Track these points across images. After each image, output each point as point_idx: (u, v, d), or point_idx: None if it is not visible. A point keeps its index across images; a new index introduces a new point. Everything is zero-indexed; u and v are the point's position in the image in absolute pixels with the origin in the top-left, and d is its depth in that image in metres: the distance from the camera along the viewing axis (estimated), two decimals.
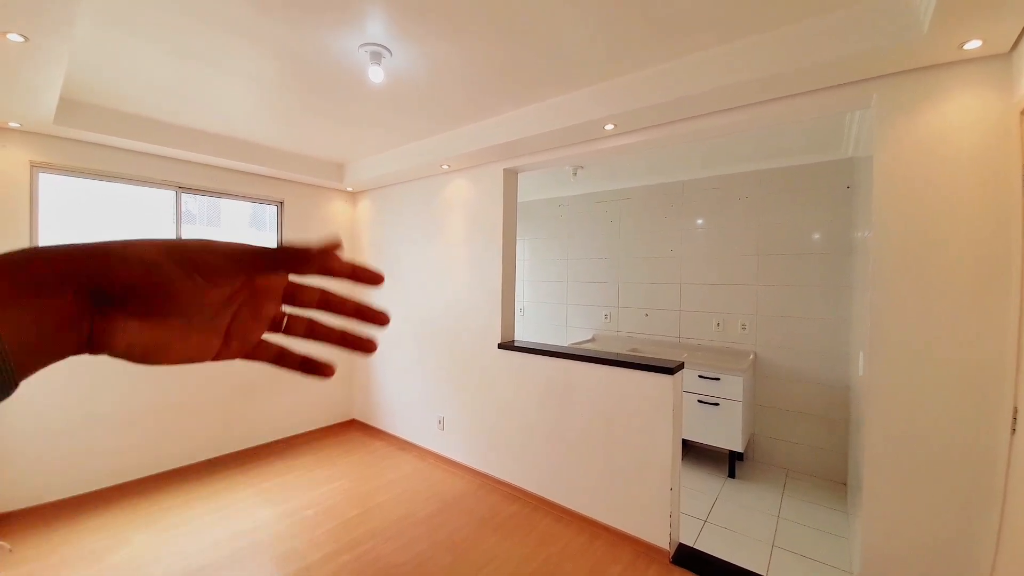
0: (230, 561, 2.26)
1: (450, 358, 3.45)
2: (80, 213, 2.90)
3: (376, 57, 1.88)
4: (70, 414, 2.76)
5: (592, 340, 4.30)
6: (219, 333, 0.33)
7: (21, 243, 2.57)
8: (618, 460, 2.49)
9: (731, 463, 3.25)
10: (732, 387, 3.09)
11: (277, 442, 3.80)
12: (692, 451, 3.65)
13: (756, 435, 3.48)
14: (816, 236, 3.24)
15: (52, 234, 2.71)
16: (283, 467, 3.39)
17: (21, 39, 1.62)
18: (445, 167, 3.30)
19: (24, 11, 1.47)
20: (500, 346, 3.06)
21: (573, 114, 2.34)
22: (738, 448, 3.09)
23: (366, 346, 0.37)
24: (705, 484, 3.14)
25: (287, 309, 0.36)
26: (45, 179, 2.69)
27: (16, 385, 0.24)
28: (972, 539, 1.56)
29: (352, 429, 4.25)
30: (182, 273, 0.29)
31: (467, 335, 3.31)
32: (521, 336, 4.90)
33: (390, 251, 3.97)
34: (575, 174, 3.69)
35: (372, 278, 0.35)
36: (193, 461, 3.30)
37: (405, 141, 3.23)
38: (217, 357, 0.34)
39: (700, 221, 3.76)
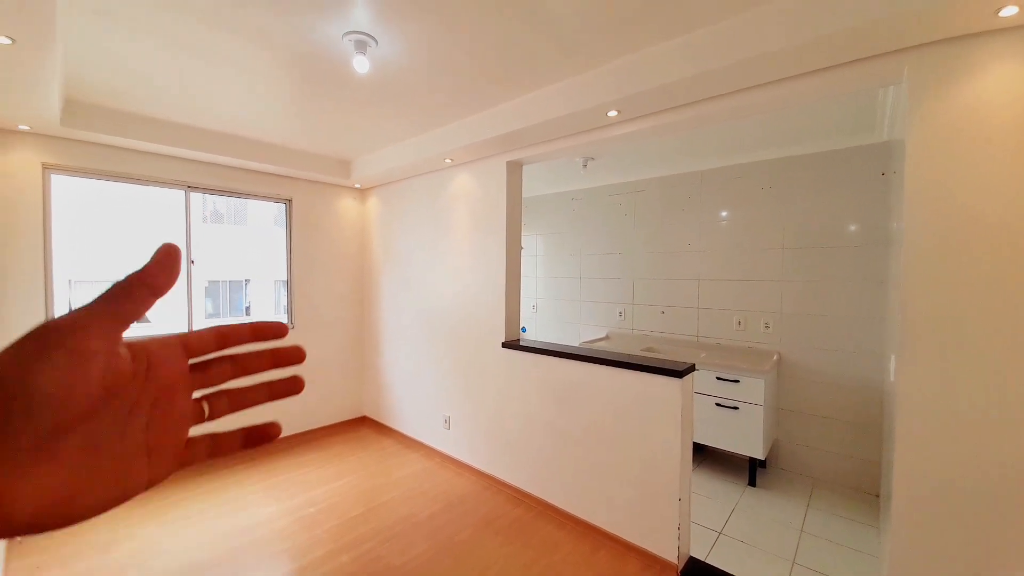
0: (229, 557, 2.27)
1: (455, 357, 3.38)
2: (94, 214, 2.97)
3: (361, 46, 1.80)
4: None
5: (606, 338, 4.14)
6: (141, 451, 0.27)
7: (35, 244, 2.65)
8: (624, 467, 2.36)
9: (751, 470, 3.06)
10: (753, 390, 2.89)
11: (290, 438, 3.84)
12: (710, 457, 3.47)
13: (780, 441, 3.26)
14: (849, 227, 2.98)
15: (66, 235, 2.78)
16: (294, 463, 3.41)
17: (8, 41, 1.63)
18: (448, 161, 3.22)
19: (5, 11, 1.46)
20: (504, 345, 2.97)
21: (573, 101, 2.20)
22: (759, 455, 2.89)
23: (295, 388, 0.36)
24: (723, 492, 2.96)
25: (200, 394, 0.32)
26: (57, 180, 2.76)
27: None
28: (1009, 562, 1.37)
29: (364, 426, 4.27)
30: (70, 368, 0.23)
31: (471, 334, 3.24)
32: (535, 334, 4.81)
33: (398, 248, 3.92)
34: (585, 166, 3.54)
35: (276, 332, 0.34)
36: None
37: (406, 136, 3.15)
38: (150, 484, 0.28)
39: (723, 213, 3.54)
